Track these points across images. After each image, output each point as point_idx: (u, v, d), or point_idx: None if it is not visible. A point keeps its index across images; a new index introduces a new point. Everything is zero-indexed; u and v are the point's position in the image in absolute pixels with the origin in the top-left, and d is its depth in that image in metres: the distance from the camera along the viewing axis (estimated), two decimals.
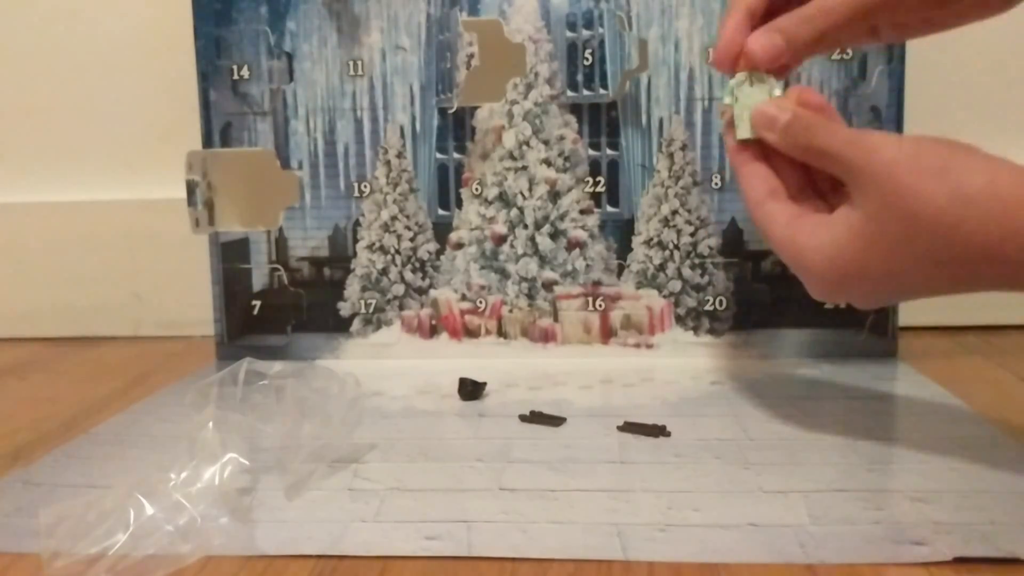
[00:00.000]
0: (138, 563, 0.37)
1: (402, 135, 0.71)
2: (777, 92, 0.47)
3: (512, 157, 0.70)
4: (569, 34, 0.69)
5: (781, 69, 0.48)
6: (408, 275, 0.72)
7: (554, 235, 0.70)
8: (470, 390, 0.60)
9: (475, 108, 0.70)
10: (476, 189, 0.71)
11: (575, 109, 0.70)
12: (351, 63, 0.70)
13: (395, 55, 0.70)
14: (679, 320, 0.70)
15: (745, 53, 0.46)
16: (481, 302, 0.71)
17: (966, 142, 0.40)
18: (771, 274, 0.69)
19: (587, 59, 0.69)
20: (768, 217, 0.46)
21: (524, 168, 0.70)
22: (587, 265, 0.70)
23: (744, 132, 0.47)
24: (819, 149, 0.43)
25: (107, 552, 0.37)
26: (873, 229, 0.40)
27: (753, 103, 0.46)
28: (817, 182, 0.47)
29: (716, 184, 0.69)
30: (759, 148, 0.47)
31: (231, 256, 0.72)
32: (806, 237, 0.44)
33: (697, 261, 0.70)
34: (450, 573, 0.38)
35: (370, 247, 0.72)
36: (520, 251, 0.71)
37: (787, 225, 0.45)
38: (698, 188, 0.69)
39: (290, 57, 0.70)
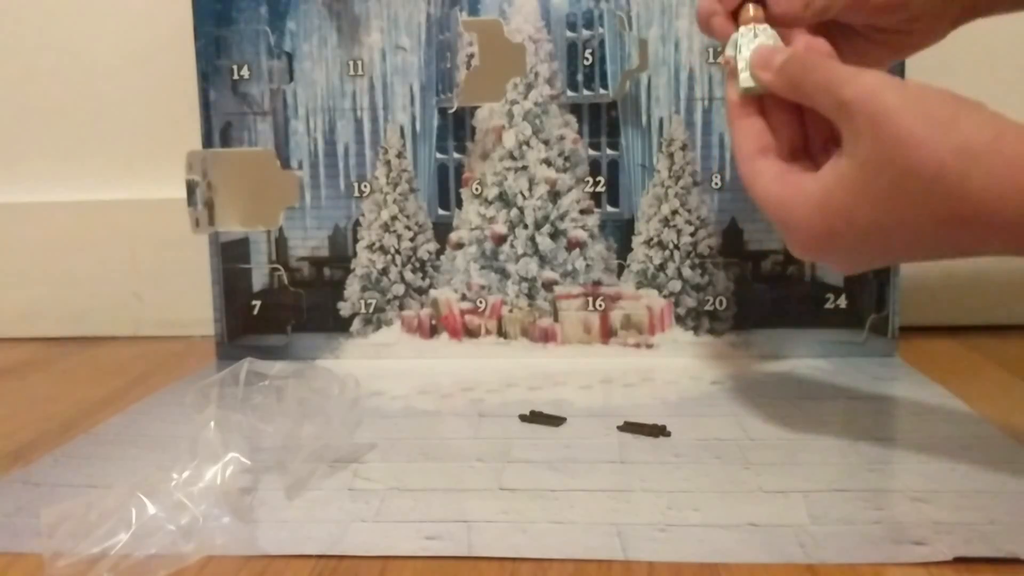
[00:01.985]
0: (140, 563, 0.37)
1: (402, 135, 0.71)
2: (779, 43, 0.46)
3: (512, 157, 0.70)
4: (569, 34, 0.69)
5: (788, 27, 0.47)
6: (408, 275, 0.72)
7: (554, 235, 0.71)
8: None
9: (475, 108, 0.70)
10: (476, 189, 0.71)
11: (575, 109, 0.70)
12: (351, 63, 0.70)
13: (395, 55, 0.70)
14: (679, 320, 0.70)
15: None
16: (481, 302, 0.71)
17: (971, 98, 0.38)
18: (771, 274, 0.70)
19: (587, 59, 0.69)
20: (755, 172, 0.44)
21: (524, 168, 0.70)
22: (587, 265, 0.70)
23: (746, 81, 0.46)
24: (815, 85, 0.42)
25: (109, 552, 0.37)
26: (866, 176, 0.39)
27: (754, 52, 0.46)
28: (811, 144, 0.46)
29: (716, 184, 0.69)
30: (757, 104, 0.46)
31: (231, 256, 0.72)
32: (792, 190, 0.42)
33: (697, 261, 0.70)
34: (450, 573, 0.38)
35: (370, 247, 0.72)
36: (520, 251, 0.71)
37: (774, 179, 0.43)
38: (698, 188, 0.69)
39: (290, 57, 0.70)
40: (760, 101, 0.46)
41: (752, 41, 0.46)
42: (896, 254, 0.42)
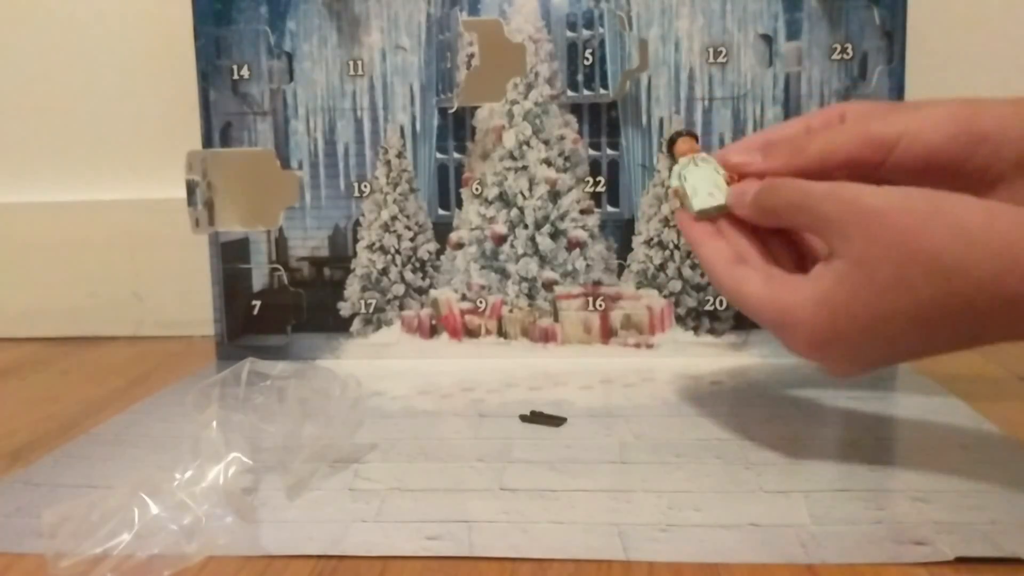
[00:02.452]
0: (143, 563, 0.37)
1: (402, 135, 0.71)
2: (720, 170, 0.49)
3: (512, 157, 0.70)
4: (569, 34, 0.69)
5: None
6: (408, 275, 0.72)
7: (554, 235, 0.71)
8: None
9: (475, 108, 0.70)
10: (476, 189, 0.71)
11: (575, 109, 0.70)
12: (351, 63, 0.70)
13: (395, 55, 0.70)
14: (679, 320, 0.70)
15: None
16: (481, 302, 0.71)
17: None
18: None
19: (587, 59, 0.69)
20: (739, 280, 0.45)
21: (524, 168, 0.70)
22: (587, 265, 0.71)
23: (700, 203, 0.48)
24: (788, 206, 0.43)
25: (112, 552, 0.37)
26: (862, 273, 0.39)
27: (701, 178, 0.49)
28: (774, 252, 0.47)
29: None
30: (712, 224, 0.48)
31: (231, 256, 0.72)
32: (788, 293, 0.42)
33: (697, 261, 0.70)
34: (450, 573, 0.38)
35: (370, 247, 0.72)
36: (520, 251, 0.71)
37: (765, 284, 0.44)
38: None
39: (290, 57, 0.70)
40: (713, 221, 0.48)
41: (695, 170, 0.49)
42: (899, 349, 0.42)
